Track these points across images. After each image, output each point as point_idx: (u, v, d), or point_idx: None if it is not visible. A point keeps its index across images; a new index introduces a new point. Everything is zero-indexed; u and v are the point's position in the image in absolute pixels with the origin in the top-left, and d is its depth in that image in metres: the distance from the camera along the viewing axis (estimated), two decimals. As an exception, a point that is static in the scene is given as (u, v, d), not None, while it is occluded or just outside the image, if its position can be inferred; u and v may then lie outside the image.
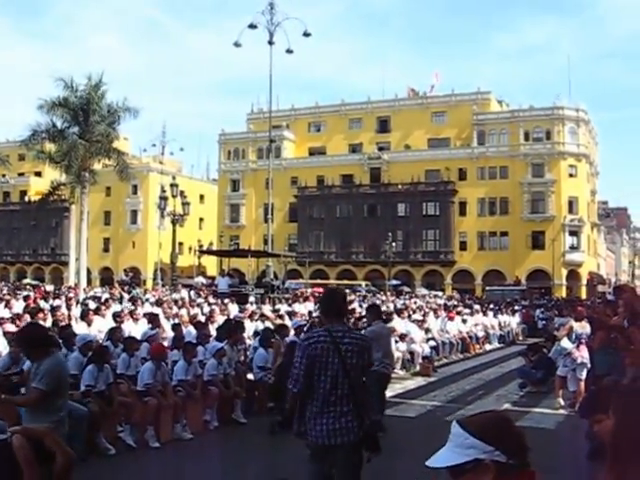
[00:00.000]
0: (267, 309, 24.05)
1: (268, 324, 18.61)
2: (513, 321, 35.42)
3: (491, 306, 37.29)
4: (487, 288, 62.05)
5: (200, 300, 27.49)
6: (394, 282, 63.18)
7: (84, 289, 37.06)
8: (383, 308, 30.41)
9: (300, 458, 9.33)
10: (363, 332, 11.66)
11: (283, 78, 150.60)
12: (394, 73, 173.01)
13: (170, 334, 15.52)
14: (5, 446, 1.01)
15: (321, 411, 5.73)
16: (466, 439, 2.39)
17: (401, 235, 73.29)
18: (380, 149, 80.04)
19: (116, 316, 16.68)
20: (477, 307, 34.38)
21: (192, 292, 33.37)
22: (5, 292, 29.27)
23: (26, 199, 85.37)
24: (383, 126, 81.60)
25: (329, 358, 5.74)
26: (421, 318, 25.02)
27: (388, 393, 16.50)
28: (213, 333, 14.84)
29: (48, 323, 15.22)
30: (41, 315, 15.72)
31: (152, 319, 16.07)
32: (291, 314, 22.23)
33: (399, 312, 25.09)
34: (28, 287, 36.43)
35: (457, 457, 2.40)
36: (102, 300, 23.80)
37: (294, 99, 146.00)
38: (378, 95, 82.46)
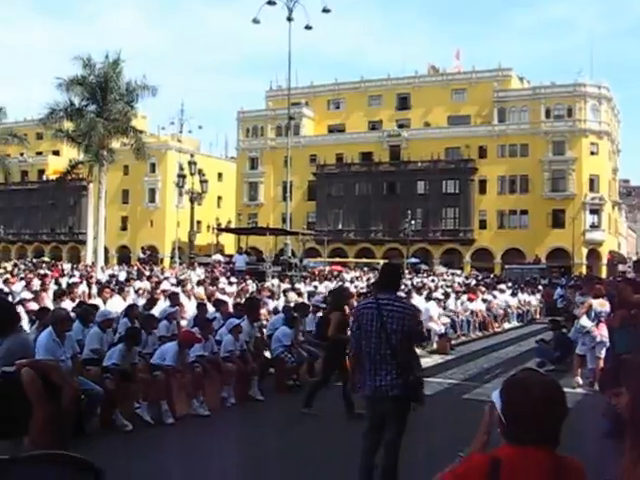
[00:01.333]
0: (287, 288, 24.00)
1: (288, 301, 18.57)
2: (532, 300, 35.24)
3: (510, 285, 37.14)
4: (506, 267, 61.83)
5: (223, 280, 27.49)
6: (412, 260, 62.98)
7: (101, 267, 37.16)
8: (402, 286, 30.41)
9: (314, 436, 9.27)
10: None
11: (302, 55, 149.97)
12: (414, 50, 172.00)
13: (189, 313, 15.53)
14: (14, 380, 0.98)
15: (370, 369, 6.70)
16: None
17: (420, 213, 72.98)
18: (400, 126, 79.57)
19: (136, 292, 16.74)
20: (502, 286, 34.26)
21: (208, 270, 33.36)
22: (23, 269, 29.40)
23: (44, 178, 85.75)
24: (403, 103, 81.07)
25: (373, 323, 6.66)
26: (442, 297, 24.91)
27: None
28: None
29: (69, 302, 15.26)
30: (64, 297, 15.68)
31: (172, 297, 16.07)
32: (312, 293, 22.20)
33: (417, 290, 25.02)
34: (45, 265, 36.56)
35: (495, 394, 2.75)
36: (121, 279, 23.89)
37: (313, 76, 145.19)
38: (398, 72, 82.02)
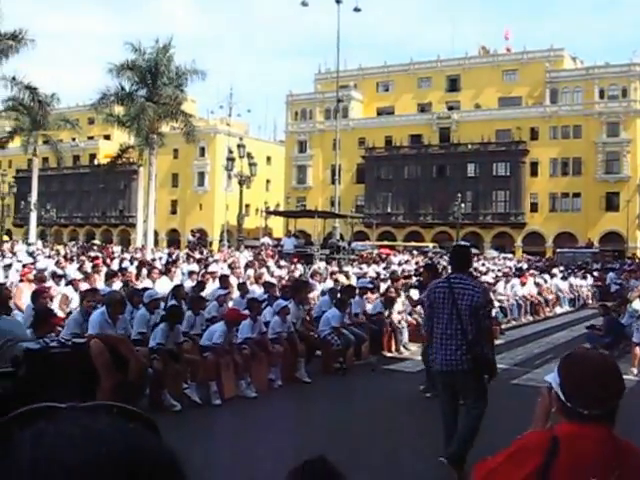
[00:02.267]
0: (334, 270, 23.98)
1: (335, 284, 18.52)
2: (584, 284, 34.68)
3: (562, 269, 36.62)
4: (558, 250, 60.91)
5: (271, 262, 27.56)
6: (462, 244, 62.38)
7: (151, 250, 37.54)
8: (450, 269, 30.19)
9: (361, 418, 9.23)
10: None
11: (351, 38, 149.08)
12: (464, 31, 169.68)
13: (237, 294, 15.59)
14: (84, 351, 1.01)
15: (441, 345, 7.09)
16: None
17: (470, 196, 72.25)
18: (450, 108, 78.78)
19: (191, 273, 16.87)
20: (555, 270, 33.81)
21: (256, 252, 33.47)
22: (75, 252, 29.83)
23: (95, 162, 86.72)
24: (453, 85, 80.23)
25: (445, 301, 7.08)
26: (492, 281, 24.64)
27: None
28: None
29: (119, 284, 15.42)
30: (115, 279, 15.90)
31: (223, 279, 16.14)
32: (359, 276, 22.13)
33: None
34: (96, 247, 37.06)
35: (550, 376, 2.70)
36: (170, 260, 24.10)
37: (362, 59, 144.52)
38: (448, 53, 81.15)
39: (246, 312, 12.01)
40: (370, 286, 17.30)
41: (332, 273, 21.65)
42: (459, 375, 7.09)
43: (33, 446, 0.65)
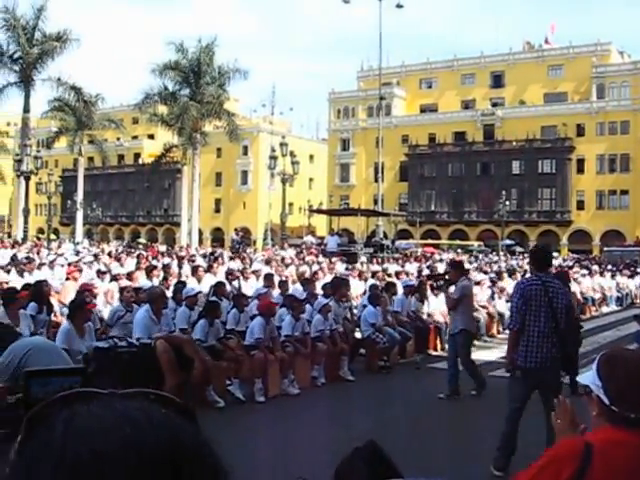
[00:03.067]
0: (376, 269, 23.88)
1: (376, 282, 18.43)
2: (632, 283, 34.06)
3: (609, 267, 36.03)
4: (605, 249, 59.97)
5: (308, 258, 27.54)
6: (507, 242, 61.80)
7: (196, 249, 37.77)
8: (495, 268, 29.90)
9: (403, 417, 9.14)
10: (452, 289, 11.61)
11: (393, 34, 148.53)
12: (508, 26, 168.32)
13: (278, 292, 15.58)
14: (150, 350, 1.05)
15: (537, 343, 7.10)
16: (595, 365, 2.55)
17: (515, 194, 71.44)
18: (494, 105, 78.03)
19: (228, 274, 16.94)
20: (595, 268, 33.27)
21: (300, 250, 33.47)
22: (120, 251, 30.13)
23: (140, 161, 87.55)
24: (497, 81, 79.44)
25: (541, 298, 7.13)
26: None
27: (497, 354, 16.17)
28: (318, 291, 14.83)
29: (159, 279, 15.60)
30: (155, 272, 16.15)
31: (267, 278, 16.16)
32: (399, 273, 21.96)
33: (511, 272, 24.55)
34: (141, 246, 37.43)
35: (586, 378, 2.58)
36: (213, 258, 24.20)
37: (405, 55, 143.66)
38: (492, 49, 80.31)
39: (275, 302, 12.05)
40: (414, 284, 17.15)
41: (374, 273, 21.50)
42: (549, 373, 7.16)
43: (65, 425, 0.70)
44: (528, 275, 8.13)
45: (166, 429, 0.72)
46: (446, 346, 16.35)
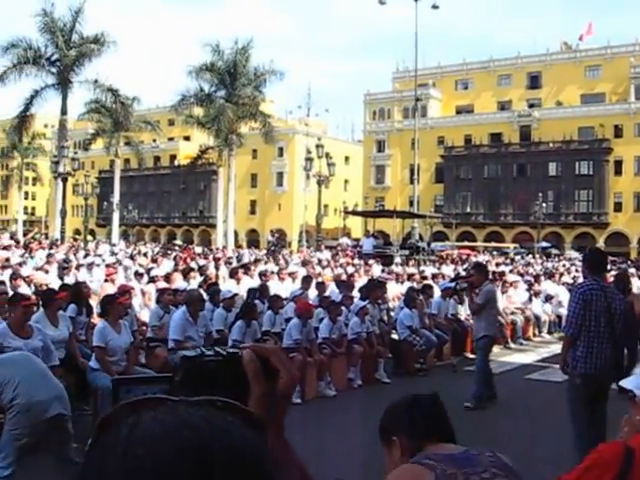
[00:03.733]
0: (412, 271, 23.76)
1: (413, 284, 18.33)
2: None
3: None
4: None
5: (343, 260, 27.49)
6: (543, 244, 61.26)
7: (231, 250, 37.89)
8: (530, 270, 29.60)
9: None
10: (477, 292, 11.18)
11: (429, 35, 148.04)
12: (545, 26, 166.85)
13: (314, 294, 15.55)
14: (236, 360, 1.04)
15: (599, 348, 6.90)
16: None
17: (552, 196, 70.76)
18: (530, 106, 77.40)
19: (262, 275, 16.94)
20: (632, 271, 32.80)
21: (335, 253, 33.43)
22: (156, 252, 30.31)
23: (176, 163, 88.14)
24: (534, 82, 78.80)
25: (600, 303, 6.90)
26: (571, 281, 24.05)
27: (534, 357, 15.99)
28: (354, 294, 14.79)
29: (197, 281, 15.62)
30: (192, 274, 16.19)
31: (305, 280, 16.14)
32: (436, 276, 21.82)
33: (550, 275, 24.32)
34: (177, 248, 37.62)
35: (630, 383, 2.64)
36: (250, 260, 24.26)
37: (441, 56, 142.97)
38: (528, 50, 79.68)
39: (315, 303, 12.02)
40: (452, 286, 17.02)
41: (410, 275, 21.38)
42: (607, 380, 6.90)
43: (129, 429, 0.75)
44: (583, 280, 7.70)
45: (226, 436, 0.74)
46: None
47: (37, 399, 5.76)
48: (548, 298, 20.33)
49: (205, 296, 11.62)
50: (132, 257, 23.35)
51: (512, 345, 17.40)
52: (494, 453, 2.47)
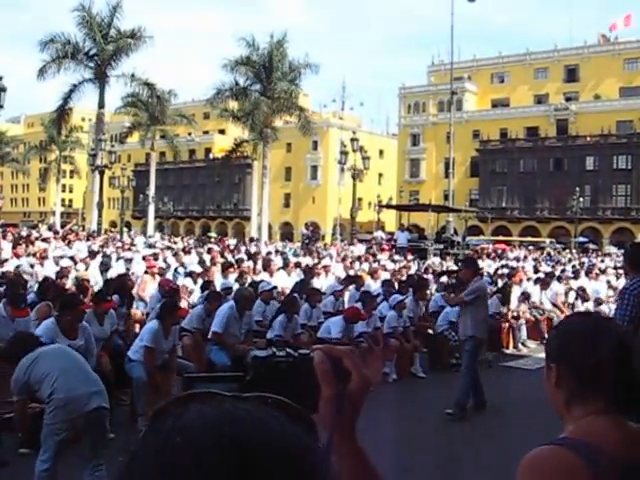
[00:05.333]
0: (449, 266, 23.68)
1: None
2: None
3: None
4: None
5: (380, 256, 27.43)
6: (581, 239, 60.63)
7: (265, 243, 38.00)
8: (568, 267, 29.31)
9: (476, 414, 8.99)
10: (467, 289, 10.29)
11: (465, 29, 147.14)
12: (583, 19, 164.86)
13: (352, 287, 15.55)
14: (307, 361, 1.07)
15: None
16: None
17: (589, 190, 69.95)
18: (567, 99, 76.55)
19: (305, 269, 17.00)
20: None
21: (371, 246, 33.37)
22: (192, 244, 30.47)
23: (210, 156, 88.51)
24: (571, 75, 77.92)
25: None
26: (615, 281, 23.71)
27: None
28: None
29: (234, 276, 15.62)
30: (230, 270, 16.19)
31: (346, 279, 16.16)
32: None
33: (588, 271, 24.08)
34: (213, 240, 37.84)
35: None
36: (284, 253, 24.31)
37: (476, 50, 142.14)
38: (565, 43, 78.91)
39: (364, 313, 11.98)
40: (489, 282, 16.95)
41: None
42: None
43: (174, 420, 0.78)
44: (629, 278, 6.99)
45: (265, 430, 0.76)
46: (519, 345, 16.15)
47: (75, 394, 5.73)
48: (598, 303, 19.70)
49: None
50: (175, 253, 23.25)
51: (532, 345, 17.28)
52: None
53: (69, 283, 13.30)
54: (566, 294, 19.65)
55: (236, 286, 13.02)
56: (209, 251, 23.14)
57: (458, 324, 13.62)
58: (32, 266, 15.48)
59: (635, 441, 1.96)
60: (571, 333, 2.13)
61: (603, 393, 2.03)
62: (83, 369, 6.10)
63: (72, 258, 16.64)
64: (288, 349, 1.22)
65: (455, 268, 14.69)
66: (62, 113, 47.58)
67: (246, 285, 13.53)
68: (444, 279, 14.34)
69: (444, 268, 22.56)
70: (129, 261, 18.30)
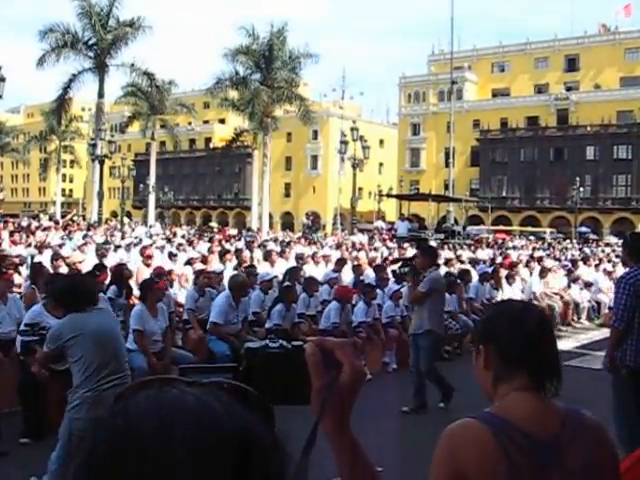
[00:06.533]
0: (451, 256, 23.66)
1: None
2: None
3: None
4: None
5: (378, 244, 27.45)
6: (581, 229, 60.66)
7: (266, 232, 38.02)
8: (568, 255, 29.32)
9: (472, 404, 8.92)
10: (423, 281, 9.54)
11: (465, 17, 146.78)
12: (583, 8, 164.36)
13: (348, 277, 15.56)
14: (300, 353, 1.10)
15: None
16: None
17: (589, 180, 69.89)
18: (568, 89, 76.40)
19: (298, 258, 17.00)
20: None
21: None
22: (192, 234, 30.52)
23: (211, 146, 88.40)
24: (571, 65, 77.76)
25: None
26: (611, 269, 23.76)
27: (572, 343, 15.84)
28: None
29: (233, 264, 15.70)
30: (228, 256, 16.28)
31: (338, 263, 16.16)
32: (474, 261, 21.72)
33: (585, 260, 24.09)
34: (215, 229, 37.90)
35: None
36: (285, 243, 24.33)
37: (476, 39, 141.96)
38: (566, 32, 78.76)
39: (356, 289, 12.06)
40: (489, 271, 16.97)
41: (448, 259, 21.28)
42: None
43: (124, 404, 0.79)
44: (627, 267, 6.91)
45: (209, 414, 0.77)
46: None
47: (105, 393, 5.32)
48: (587, 285, 20.12)
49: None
50: (169, 240, 23.48)
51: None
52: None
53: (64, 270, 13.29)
54: (569, 285, 19.69)
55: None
56: (210, 240, 23.24)
57: (456, 314, 13.69)
58: (32, 257, 15.44)
59: (549, 416, 2.13)
60: (497, 316, 2.32)
61: (525, 371, 2.17)
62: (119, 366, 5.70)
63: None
64: (282, 341, 1.23)
65: (410, 255, 13.79)
66: (62, 103, 47.53)
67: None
68: (396, 267, 12.79)
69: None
70: (128, 250, 18.33)
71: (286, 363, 1.21)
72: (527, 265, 20.46)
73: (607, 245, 43.50)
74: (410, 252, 24.14)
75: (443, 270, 17.38)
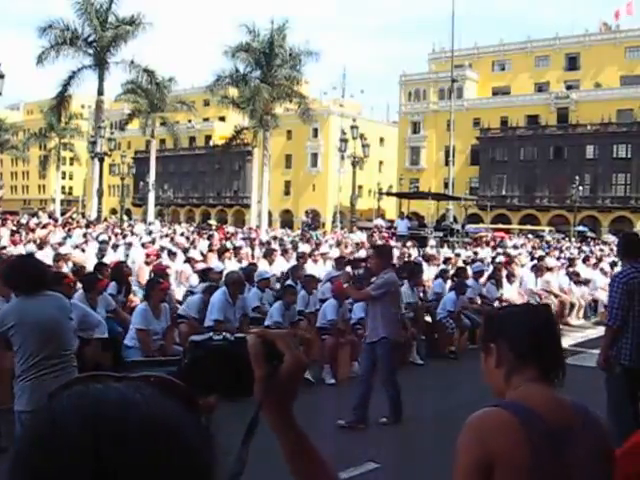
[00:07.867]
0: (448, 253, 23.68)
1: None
2: None
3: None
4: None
5: (379, 243, 27.42)
6: (580, 228, 60.67)
7: (265, 230, 38.04)
8: (567, 254, 29.31)
9: (470, 403, 8.95)
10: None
11: (466, 15, 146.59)
12: (585, 6, 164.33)
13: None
14: (243, 344, 1.14)
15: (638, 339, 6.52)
16: None
17: (589, 179, 69.94)
18: (568, 88, 76.39)
19: (299, 257, 17.02)
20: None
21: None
22: (191, 231, 30.52)
23: (211, 143, 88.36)
24: (572, 63, 77.74)
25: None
26: (608, 268, 23.77)
27: (568, 341, 15.85)
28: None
29: (233, 262, 15.71)
30: (227, 254, 16.29)
31: (338, 261, 16.16)
32: (472, 260, 21.72)
33: (585, 260, 24.13)
34: (214, 227, 37.92)
35: None
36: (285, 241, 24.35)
37: (477, 37, 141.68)
38: (567, 31, 78.59)
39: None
40: (485, 269, 16.98)
41: (447, 259, 21.28)
42: None
43: (49, 400, 0.81)
44: (623, 266, 7.13)
45: (132, 407, 0.78)
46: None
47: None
48: (585, 282, 20.12)
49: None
50: (171, 238, 23.45)
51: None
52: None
53: (66, 269, 13.32)
54: (572, 281, 19.67)
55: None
56: (210, 238, 23.24)
57: (457, 312, 13.69)
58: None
59: (559, 406, 2.29)
60: (508, 314, 2.51)
61: (536, 363, 2.34)
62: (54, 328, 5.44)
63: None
64: (225, 333, 1.27)
65: (363, 257, 13.16)
66: (61, 100, 47.52)
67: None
68: (349, 269, 12.33)
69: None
70: (129, 248, 18.33)
71: (230, 355, 1.24)
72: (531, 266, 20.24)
73: (605, 243, 43.51)
74: (412, 250, 24.27)
75: (439, 268, 17.49)
